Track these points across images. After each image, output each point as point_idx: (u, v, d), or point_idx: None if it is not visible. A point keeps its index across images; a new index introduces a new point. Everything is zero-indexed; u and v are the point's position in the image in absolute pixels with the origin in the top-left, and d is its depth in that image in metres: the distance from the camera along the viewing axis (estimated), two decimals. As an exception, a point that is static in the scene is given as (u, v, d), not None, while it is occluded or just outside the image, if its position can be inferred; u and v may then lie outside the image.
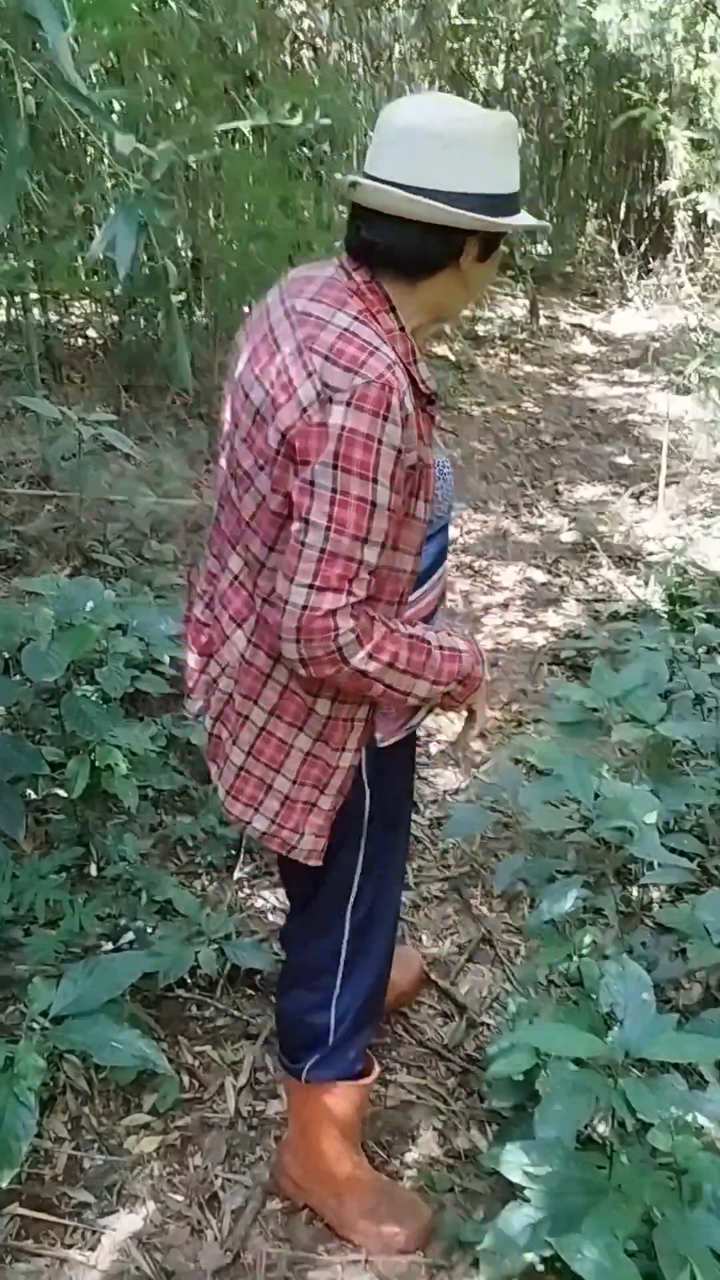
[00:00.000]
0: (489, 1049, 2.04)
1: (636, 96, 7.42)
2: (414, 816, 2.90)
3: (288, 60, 7.67)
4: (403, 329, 1.45)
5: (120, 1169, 1.91)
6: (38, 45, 1.13)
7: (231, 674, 1.59)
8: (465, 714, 1.67)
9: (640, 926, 2.36)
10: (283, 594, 1.39)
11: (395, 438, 1.35)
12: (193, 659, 1.73)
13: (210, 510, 4.14)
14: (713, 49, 8.57)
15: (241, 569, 1.55)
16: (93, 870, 2.40)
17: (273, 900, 2.56)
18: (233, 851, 2.64)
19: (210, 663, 1.65)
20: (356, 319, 1.39)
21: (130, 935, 2.19)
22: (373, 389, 1.33)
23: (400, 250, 1.41)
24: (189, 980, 2.25)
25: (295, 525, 1.39)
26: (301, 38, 7.66)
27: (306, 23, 7.68)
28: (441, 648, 1.52)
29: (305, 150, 6.06)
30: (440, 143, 1.37)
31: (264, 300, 1.52)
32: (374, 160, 1.41)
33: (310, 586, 1.37)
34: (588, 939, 2.01)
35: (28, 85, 1.27)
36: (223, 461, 1.59)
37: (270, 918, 2.52)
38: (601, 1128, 1.69)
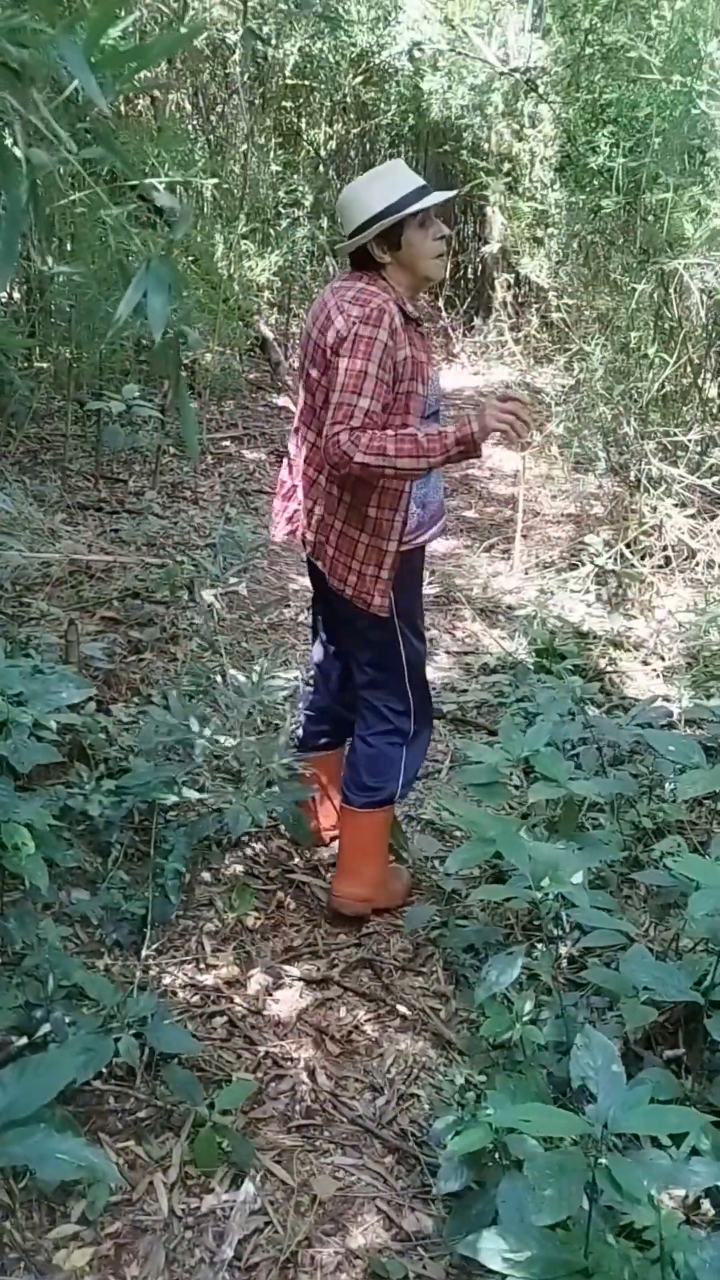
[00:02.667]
0: (436, 1125, 2.02)
1: (474, 164, 7.71)
2: (320, 876, 2.87)
3: (122, 109, 7.61)
4: (391, 289, 2.42)
5: (53, 1289, 1.77)
6: (70, 100, 1.08)
7: (320, 502, 2.54)
8: (498, 442, 2.61)
9: (561, 985, 2.39)
10: (325, 433, 2.34)
11: (385, 337, 2.32)
12: (278, 504, 2.72)
13: (68, 562, 4.00)
14: (532, 125, 9.02)
15: (317, 438, 2.50)
16: (-5, 958, 2.24)
17: (182, 977, 2.46)
18: (138, 929, 2.51)
19: (289, 506, 2.67)
20: (364, 287, 2.40)
21: (47, 1027, 2.04)
22: (373, 311, 2.33)
23: (364, 257, 2.44)
24: (104, 1071, 2.12)
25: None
26: (137, 85, 7.60)
27: (143, 72, 7.64)
28: (427, 434, 2.31)
29: (153, 201, 6.01)
30: (348, 202, 2.41)
31: (320, 295, 2.51)
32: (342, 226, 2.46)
33: (332, 422, 2.29)
34: (528, 1005, 2.02)
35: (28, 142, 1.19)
36: (301, 382, 2.56)
37: (181, 995, 2.41)
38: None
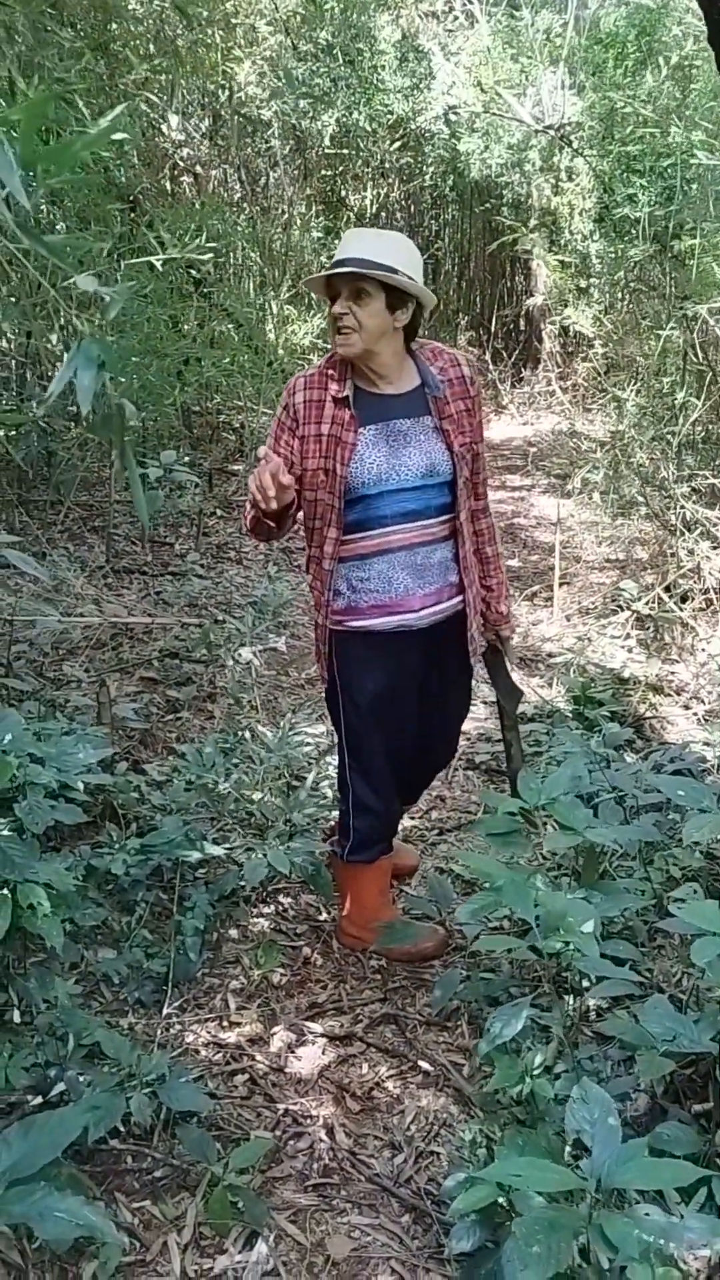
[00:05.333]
0: (445, 1183, 1.99)
1: (508, 222, 7.83)
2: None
3: (169, 186, 7.90)
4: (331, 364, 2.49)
5: (61, 1351, 1.77)
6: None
7: None
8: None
9: (581, 1038, 2.34)
10: None
11: (284, 416, 2.48)
12: None
13: (108, 625, 4.09)
14: (569, 178, 9.15)
15: None
16: (15, 1017, 2.27)
17: (204, 1035, 2.46)
18: (161, 986, 2.53)
19: None
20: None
21: (61, 1086, 2.06)
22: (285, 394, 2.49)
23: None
24: (121, 1129, 2.13)
25: None
26: (182, 165, 7.91)
27: (186, 151, 7.93)
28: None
29: (192, 272, 6.21)
30: (383, 243, 2.38)
31: None
32: (340, 251, 2.40)
33: None
34: (538, 1058, 1.99)
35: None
36: None
37: (203, 1053, 2.42)
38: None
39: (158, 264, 4.18)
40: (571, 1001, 2.31)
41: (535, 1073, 1.96)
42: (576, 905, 2.11)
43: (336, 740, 2.73)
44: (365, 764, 2.68)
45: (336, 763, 2.78)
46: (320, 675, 2.73)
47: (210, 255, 3.60)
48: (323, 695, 2.82)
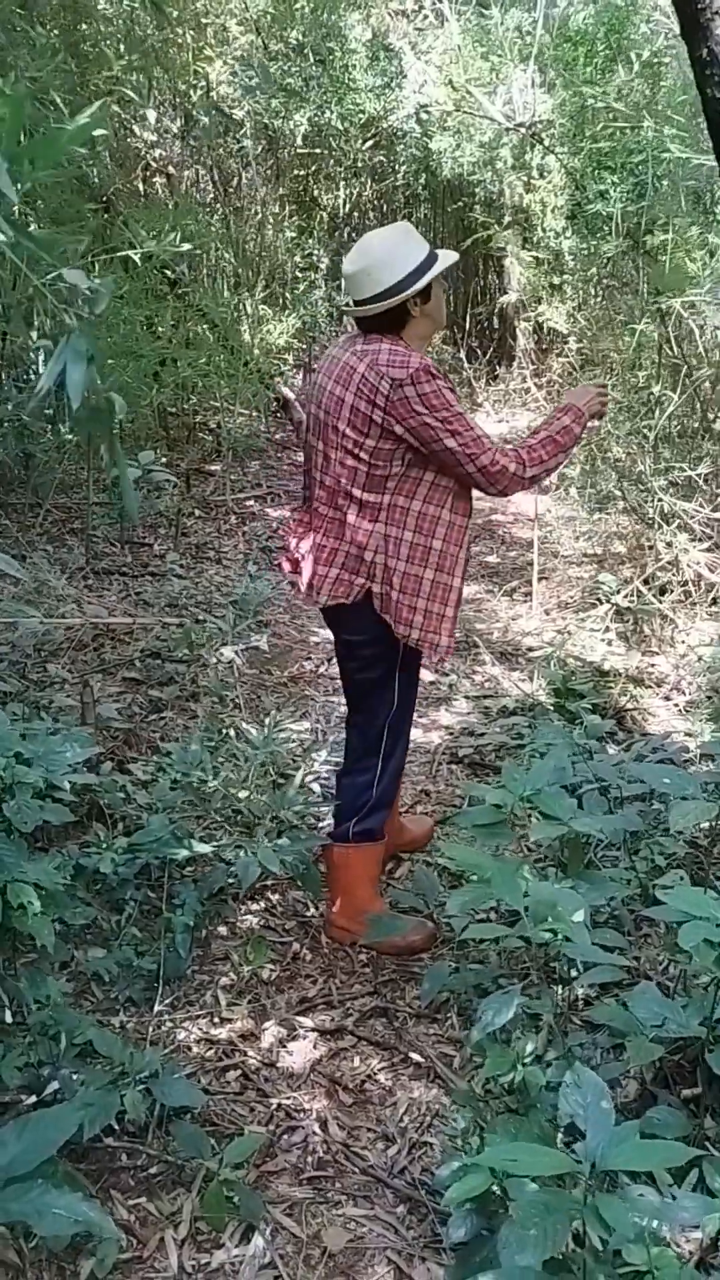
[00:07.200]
0: (439, 1172, 2.00)
1: (481, 219, 7.85)
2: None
3: (141, 186, 7.88)
4: (408, 345, 2.57)
5: (60, 1348, 1.77)
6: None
7: (376, 550, 2.65)
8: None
9: (570, 1026, 2.37)
10: (470, 474, 2.59)
11: (443, 384, 2.48)
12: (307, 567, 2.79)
13: (90, 626, 4.08)
14: (541, 176, 9.18)
15: (358, 491, 2.64)
16: (6, 1017, 2.27)
17: (195, 1032, 2.47)
18: (152, 984, 2.53)
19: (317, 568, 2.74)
20: (393, 349, 2.51)
21: (55, 1085, 2.07)
22: (420, 369, 2.45)
23: (384, 318, 2.56)
24: (116, 1127, 2.13)
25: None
26: (154, 165, 7.88)
27: (158, 151, 7.91)
28: (558, 431, 2.65)
29: (167, 273, 6.20)
30: (383, 262, 2.52)
31: (333, 358, 2.63)
32: (349, 292, 2.59)
33: (471, 465, 2.55)
34: (529, 1046, 2.01)
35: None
36: (320, 439, 2.65)
37: (195, 1050, 2.42)
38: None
39: (136, 259, 4.16)
40: (560, 990, 2.33)
41: (526, 1061, 1.98)
42: (565, 895, 2.12)
43: (375, 717, 2.79)
44: (406, 735, 2.88)
45: (348, 747, 2.89)
46: (373, 655, 2.71)
47: (186, 251, 3.60)
48: (303, 694, 2.84)
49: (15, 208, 1.28)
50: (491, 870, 2.16)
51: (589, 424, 2.71)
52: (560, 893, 2.12)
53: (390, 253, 2.54)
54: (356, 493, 2.58)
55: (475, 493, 2.65)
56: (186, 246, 5.05)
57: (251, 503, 6.57)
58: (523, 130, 8.81)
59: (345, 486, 2.59)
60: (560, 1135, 1.92)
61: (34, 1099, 2.06)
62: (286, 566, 2.85)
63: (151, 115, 6.48)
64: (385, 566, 2.60)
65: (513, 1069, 1.96)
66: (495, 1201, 1.87)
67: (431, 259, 2.57)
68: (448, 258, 2.60)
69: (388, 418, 2.48)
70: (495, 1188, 1.80)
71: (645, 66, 7.12)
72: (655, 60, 7.19)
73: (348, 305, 2.63)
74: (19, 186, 1.12)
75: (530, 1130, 1.87)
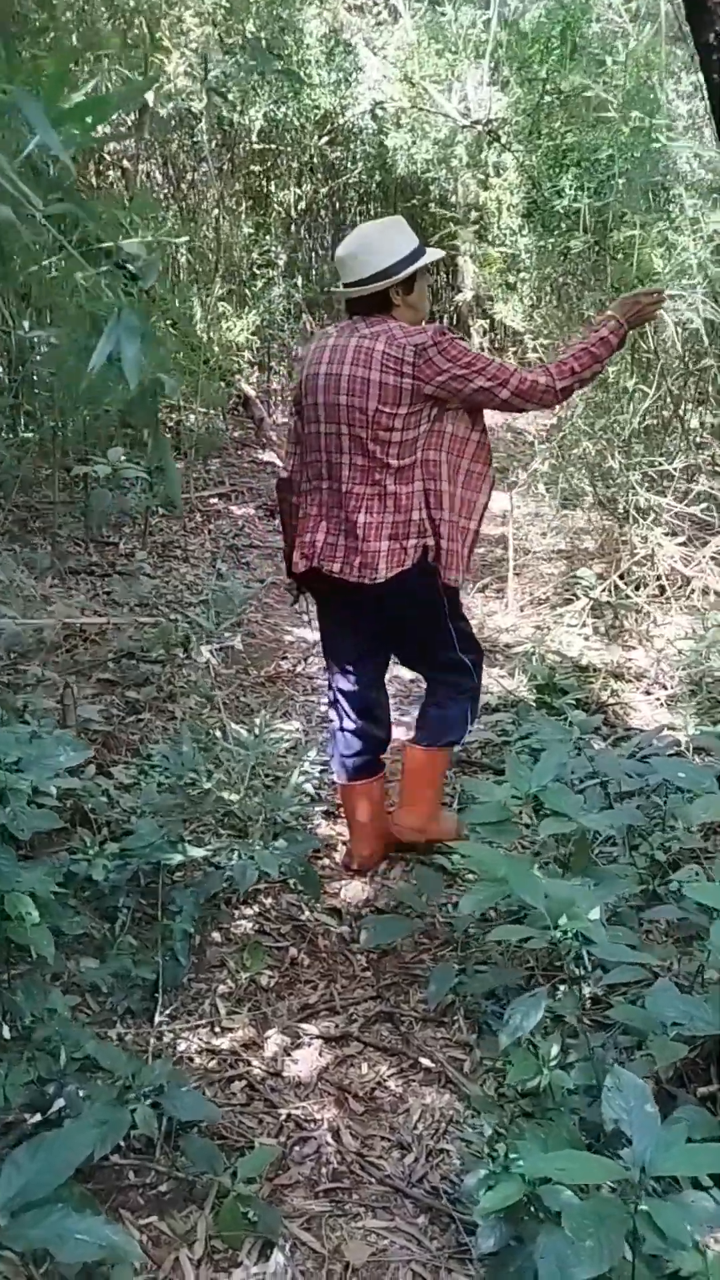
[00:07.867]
0: (466, 1180, 1.95)
1: (448, 215, 7.80)
2: (332, 929, 2.82)
3: (94, 180, 7.74)
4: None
5: None
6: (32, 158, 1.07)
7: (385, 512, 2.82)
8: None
9: (586, 1026, 2.32)
10: (503, 398, 2.73)
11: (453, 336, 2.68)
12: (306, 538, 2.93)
13: (61, 627, 3.98)
14: (497, 173, 9.17)
15: (368, 460, 2.77)
16: (5, 1033, 2.17)
17: (196, 1042, 2.39)
18: (149, 994, 2.45)
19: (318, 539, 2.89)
20: (396, 323, 2.68)
21: (61, 1102, 1.98)
22: (433, 330, 2.63)
23: (373, 302, 2.71)
24: (122, 1144, 2.05)
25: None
26: (109, 158, 7.75)
27: (112, 144, 7.77)
28: (596, 342, 2.76)
29: (129, 267, 6.08)
30: (371, 248, 2.68)
31: (320, 339, 2.79)
32: (340, 275, 2.74)
33: (500, 387, 2.70)
34: (554, 1049, 1.96)
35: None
36: (323, 414, 2.74)
37: (197, 1061, 2.35)
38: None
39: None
40: (577, 990, 2.28)
41: (551, 1064, 1.93)
42: (581, 892, 2.08)
43: (450, 650, 2.96)
44: (480, 650, 3.11)
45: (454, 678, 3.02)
46: (428, 600, 2.83)
47: (148, 244, 3.51)
48: (283, 693, 2.78)
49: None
50: (506, 869, 2.12)
51: (633, 330, 2.85)
52: (576, 890, 2.08)
53: (380, 241, 2.70)
54: (393, 462, 2.69)
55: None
56: (149, 239, 4.95)
57: (215, 500, 6.48)
58: (479, 127, 8.81)
59: (381, 459, 2.69)
60: (586, 1140, 1.88)
61: (38, 1118, 1.97)
62: (302, 565, 2.83)
63: (114, 107, 6.35)
64: (430, 519, 2.74)
65: (539, 1072, 1.92)
66: (522, 1209, 1.82)
67: (419, 252, 2.72)
68: (434, 254, 2.77)
69: (417, 382, 2.61)
70: (525, 1197, 1.76)
71: (598, 65, 7.14)
72: (607, 56, 7.21)
73: (337, 287, 2.80)
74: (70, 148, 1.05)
75: (559, 1136, 1.83)
